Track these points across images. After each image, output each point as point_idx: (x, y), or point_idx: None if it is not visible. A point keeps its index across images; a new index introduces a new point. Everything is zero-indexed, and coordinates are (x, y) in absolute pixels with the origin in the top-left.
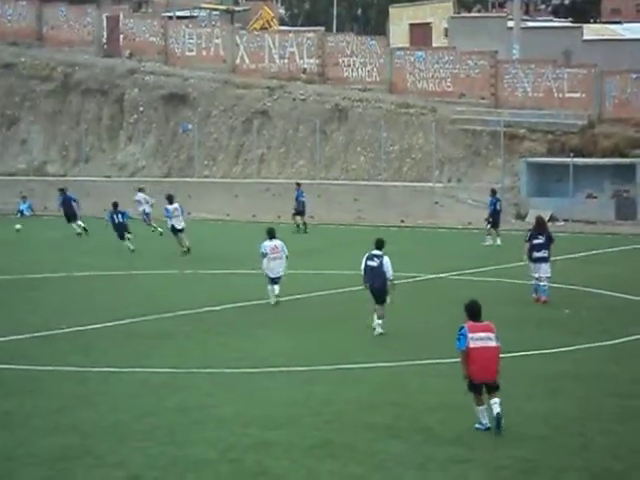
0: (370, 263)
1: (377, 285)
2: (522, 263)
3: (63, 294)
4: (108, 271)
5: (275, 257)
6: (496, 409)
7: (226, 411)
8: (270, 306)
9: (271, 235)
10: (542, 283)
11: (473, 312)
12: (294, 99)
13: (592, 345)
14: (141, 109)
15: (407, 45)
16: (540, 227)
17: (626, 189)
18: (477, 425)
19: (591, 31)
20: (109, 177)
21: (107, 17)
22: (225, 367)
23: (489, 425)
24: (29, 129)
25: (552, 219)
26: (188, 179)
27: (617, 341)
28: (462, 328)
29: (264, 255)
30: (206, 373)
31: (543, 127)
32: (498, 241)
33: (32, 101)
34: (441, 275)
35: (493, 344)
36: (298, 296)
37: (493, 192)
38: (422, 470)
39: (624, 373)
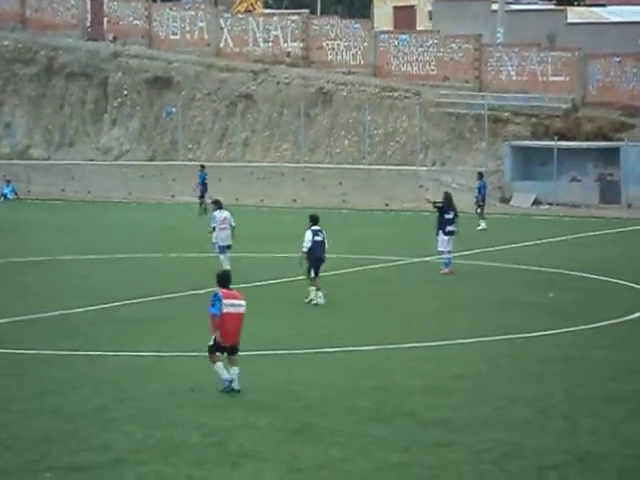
0: (317, 238)
1: (322, 257)
2: (503, 247)
3: (47, 278)
4: (92, 255)
5: (224, 227)
6: (236, 384)
7: (209, 394)
8: (252, 290)
9: (219, 206)
10: (450, 255)
11: (224, 280)
12: (278, 83)
13: (576, 328)
14: (125, 93)
15: (391, 28)
16: (450, 202)
17: (610, 172)
18: (223, 385)
19: (575, 14)
20: (93, 161)
21: (91, 0)
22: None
23: (230, 378)
24: (13, 113)
25: (536, 202)
26: (172, 162)
27: (601, 324)
28: (217, 294)
29: (214, 228)
30: (190, 357)
31: (527, 110)
32: (483, 224)
33: (15, 85)
34: (426, 258)
35: (243, 310)
36: (280, 280)
37: (480, 175)
38: (406, 453)
39: (609, 356)
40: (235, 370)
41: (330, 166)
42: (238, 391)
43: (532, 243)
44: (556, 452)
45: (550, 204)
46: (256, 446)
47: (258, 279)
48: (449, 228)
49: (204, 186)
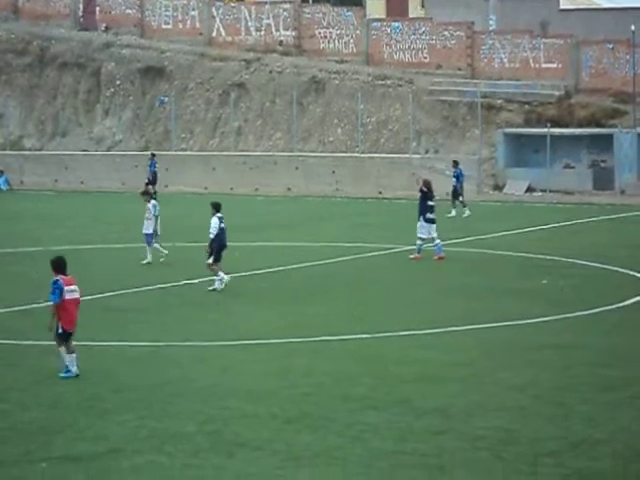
0: (223, 225)
1: (226, 244)
2: (497, 234)
3: (41, 268)
4: (86, 245)
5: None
6: (75, 369)
7: (204, 384)
8: (246, 279)
9: (153, 196)
10: (437, 242)
11: (61, 266)
12: (271, 71)
13: (570, 315)
14: (118, 82)
15: (383, 16)
16: (430, 190)
17: (603, 159)
18: (64, 374)
19: (568, 1)
20: (86, 151)
21: None
22: (203, 340)
23: (78, 372)
24: (5, 103)
25: (530, 189)
26: (165, 152)
27: (595, 311)
28: (57, 282)
29: (157, 217)
30: (184, 346)
31: (520, 98)
32: (465, 212)
33: (8, 75)
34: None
35: (78, 295)
36: (275, 269)
37: (456, 163)
38: (401, 441)
39: (602, 343)
40: (73, 356)
41: (323, 155)
42: (77, 375)
43: (526, 230)
44: (551, 439)
45: (543, 191)
46: (252, 435)
47: (252, 268)
48: (429, 215)
49: (152, 173)
